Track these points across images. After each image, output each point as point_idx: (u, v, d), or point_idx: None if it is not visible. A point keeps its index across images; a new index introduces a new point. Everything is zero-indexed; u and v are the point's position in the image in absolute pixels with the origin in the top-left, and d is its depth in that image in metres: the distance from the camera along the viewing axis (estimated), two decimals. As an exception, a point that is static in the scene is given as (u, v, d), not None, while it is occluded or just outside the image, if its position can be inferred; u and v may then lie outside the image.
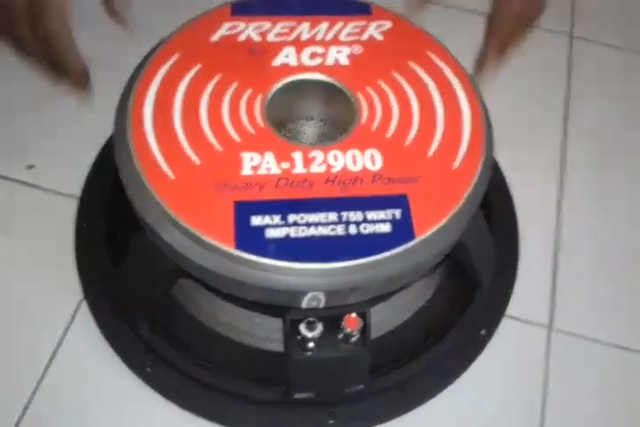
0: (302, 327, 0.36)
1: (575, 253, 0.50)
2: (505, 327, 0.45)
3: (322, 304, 0.34)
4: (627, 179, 0.55)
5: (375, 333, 0.42)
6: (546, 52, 0.56)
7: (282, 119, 0.43)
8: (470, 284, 0.45)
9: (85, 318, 0.43)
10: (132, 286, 0.41)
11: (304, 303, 0.34)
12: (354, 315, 0.36)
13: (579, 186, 0.54)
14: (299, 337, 0.36)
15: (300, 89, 0.41)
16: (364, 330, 0.37)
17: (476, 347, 0.45)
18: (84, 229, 0.48)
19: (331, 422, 0.41)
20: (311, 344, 0.36)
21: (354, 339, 0.37)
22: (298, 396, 0.40)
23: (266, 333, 0.42)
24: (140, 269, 0.40)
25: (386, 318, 0.44)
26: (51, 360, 0.42)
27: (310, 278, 0.33)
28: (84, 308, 0.43)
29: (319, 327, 0.36)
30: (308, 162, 0.36)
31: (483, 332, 0.45)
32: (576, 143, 0.56)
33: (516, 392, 0.43)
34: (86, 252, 0.47)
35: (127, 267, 0.41)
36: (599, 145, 0.56)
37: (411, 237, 0.34)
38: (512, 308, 0.46)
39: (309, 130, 0.43)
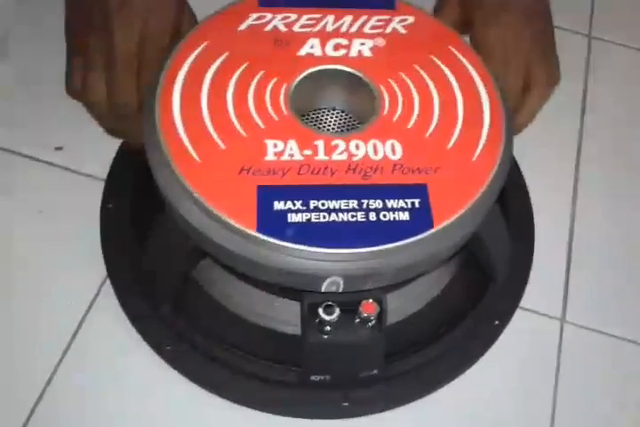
0: (320, 311, 0.36)
1: (589, 248, 0.51)
2: (518, 319, 0.45)
3: (340, 288, 0.35)
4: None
5: (390, 319, 0.43)
6: (564, 52, 0.56)
7: (305, 108, 0.44)
8: (485, 275, 0.46)
9: (109, 297, 0.44)
10: (154, 266, 0.42)
11: (323, 287, 0.34)
12: (371, 300, 0.37)
13: (594, 182, 0.55)
14: (316, 320, 0.37)
15: (323, 79, 0.42)
16: (380, 315, 0.37)
17: (489, 336, 0.45)
18: (110, 209, 0.49)
19: (345, 404, 0.42)
20: (328, 328, 0.37)
21: (370, 324, 0.38)
22: (313, 378, 0.41)
23: (284, 316, 0.43)
24: (163, 250, 0.41)
25: (401, 306, 0.44)
26: (74, 336, 0.44)
27: (330, 263, 0.33)
28: (108, 287, 0.45)
29: (337, 311, 0.36)
30: (330, 150, 0.37)
31: (496, 322, 0.46)
32: (592, 140, 0.57)
33: (527, 383, 0.44)
34: (111, 232, 0.48)
35: (150, 247, 0.42)
36: (615, 143, 0.57)
37: (429, 225, 0.35)
38: (525, 300, 0.47)
39: (331, 120, 0.44)
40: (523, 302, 0.47)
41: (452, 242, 0.36)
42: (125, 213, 0.48)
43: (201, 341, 0.43)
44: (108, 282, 0.45)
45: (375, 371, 0.41)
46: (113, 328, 0.43)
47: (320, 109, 0.44)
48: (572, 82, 0.59)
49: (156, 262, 0.42)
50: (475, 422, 0.43)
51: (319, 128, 0.43)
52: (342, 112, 0.45)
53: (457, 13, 0.47)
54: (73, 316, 0.44)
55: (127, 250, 0.46)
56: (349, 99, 0.44)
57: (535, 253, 0.48)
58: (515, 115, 0.44)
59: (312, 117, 0.44)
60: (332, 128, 0.44)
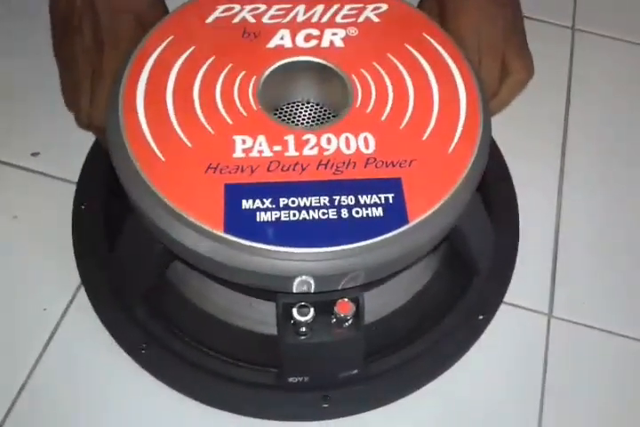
0: (295, 312, 0.35)
1: (575, 241, 0.50)
2: (504, 315, 0.44)
3: (312, 289, 0.33)
4: (627, 164, 0.54)
5: (370, 317, 0.42)
6: (548, 44, 0.55)
7: (276, 102, 0.42)
8: (468, 269, 0.44)
9: (83, 301, 0.43)
10: (125, 268, 0.41)
11: (294, 288, 0.33)
12: (346, 300, 0.36)
13: (580, 172, 0.54)
14: (291, 321, 0.36)
15: (294, 71, 0.41)
16: (357, 315, 0.36)
17: (473, 332, 0.44)
18: (81, 212, 0.48)
19: (325, 405, 0.41)
20: (304, 329, 0.36)
21: (347, 324, 0.37)
22: (291, 380, 0.40)
23: (260, 316, 0.42)
24: (134, 252, 0.40)
25: (382, 303, 0.43)
26: (49, 341, 0.43)
27: (299, 263, 0.32)
28: (82, 291, 0.43)
29: (311, 312, 0.35)
30: (300, 145, 0.36)
31: (480, 317, 0.45)
32: (577, 129, 0.55)
33: (514, 379, 0.43)
34: (83, 235, 0.47)
35: (121, 249, 0.41)
36: (601, 131, 0.56)
37: (404, 221, 0.33)
38: (512, 295, 0.46)
39: (305, 113, 0.43)
40: (509, 298, 0.46)
41: (429, 237, 0.34)
42: (97, 216, 0.47)
43: (175, 343, 0.42)
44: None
45: (355, 371, 0.40)
46: (88, 333, 0.42)
47: (294, 103, 0.43)
48: (557, 72, 0.58)
49: (127, 264, 0.41)
50: (460, 420, 0.42)
51: (292, 122, 0.42)
52: (317, 105, 0.43)
53: (435, 4, 0.46)
54: (49, 319, 0.44)
55: (100, 251, 0.45)
56: (323, 91, 0.42)
57: (520, 247, 0.47)
58: (488, 103, 0.43)
59: (285, 111, 0.43)
60: (307, 122, 0.42)
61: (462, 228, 0.39)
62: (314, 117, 0.43)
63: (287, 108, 0.43)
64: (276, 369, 0.41)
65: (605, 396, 0.43)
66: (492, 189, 0.49)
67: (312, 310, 0.35)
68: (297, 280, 0.33)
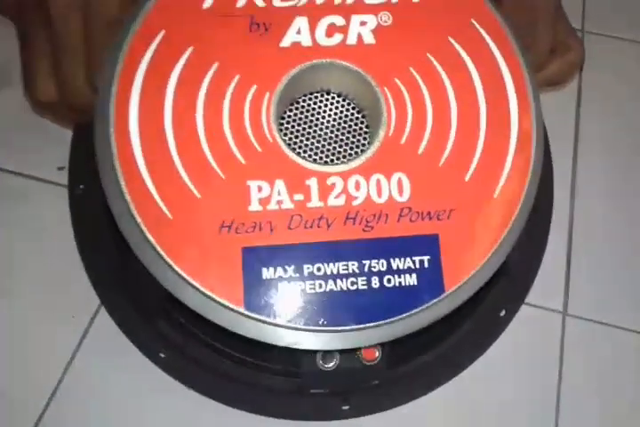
0: (318, 359, 0.34)
1: (589, 238, 0.49)
2: (519, 313, 0.43)
3: (338, 359, 0.32)
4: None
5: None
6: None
7: (292, 97, 0.36)
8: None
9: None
10: (140, 289, 0.39)
11: (318, 360, 0.32)
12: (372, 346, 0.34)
13: (593, 171, 0.51)
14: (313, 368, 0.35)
15: (315, 71, 0.34)
16: (384, 356, 0.35)
17: (495, 329, 0.44)
18: (80, 194, 0.44)
19: (345, 407, 0.42)
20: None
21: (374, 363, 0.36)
22: (313, 391, 0.40)
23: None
24: (145, 280, 0.37)
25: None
26: (78, 345, 0.44)
27: (324, 340, 0.30)
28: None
29: (336, 360, 0.34)
30: (325, 192, 0.31)
31: (502, 313, 0.44)
32: (590, 126, 0.53)
33: (529, 378, 0.44)
34: (84, 220, 0.43)
35: (131, 274, 0.38)
36: (614, 136, 0.53)
37: (440, 290, 0.31)
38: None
39: (327, 108, 0.37)
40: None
41: (464, 300, 0.32)
42: (97, 197, 0.43)
43: (193, 349, 0.41)
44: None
45: (376, 381, 0.40)
46: (112, 342, 0.42)
47: (312, 94, 0.37)
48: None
49: (143, 288, 0.38)
50: (477, 417, 0.43)
51: (310, 122, 0.36)
52: (339, 96, 0.37)
53: None
54: (78, 325, 0.44)
55: (105, 246, 0.42)
56: (347, 82, 0.36)
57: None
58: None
59: (302, 105, 0.36)
60: (329, 120, 0.36)
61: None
62: (337, 114, 0.37)
63: (305, 100, 0.37)
64: (297, 378, 0.41)
65: (621, 394, 0.44)
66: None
67: (337, 357, 0.34)
68: (320, 353, 0.31)
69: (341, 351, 0.34)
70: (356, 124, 0.36)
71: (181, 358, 0.41)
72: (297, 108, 0.36)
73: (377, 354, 0.35)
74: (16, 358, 0.43)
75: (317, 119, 0.36)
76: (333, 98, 0.36)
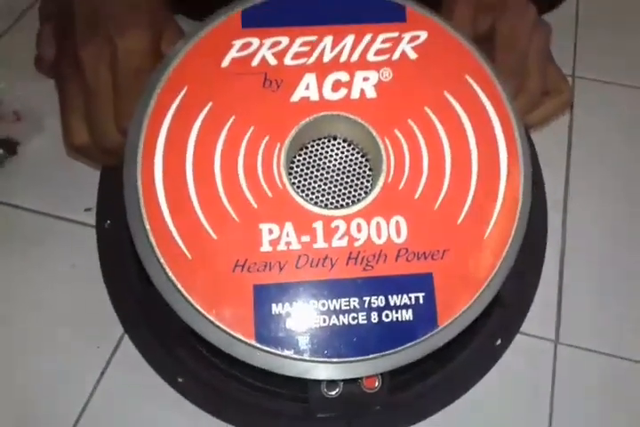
0: (323, 387, 0.37)
1: (580, 267, 0.51)
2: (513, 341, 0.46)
3: (341, 388, 0.35)
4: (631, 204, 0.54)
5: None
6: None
7: (301, 143, 0.39)
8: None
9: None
10: (161, 319, 0.42)
11: (323, 387, 0.35)
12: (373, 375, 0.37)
13: (585, 200, 0.55)
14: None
15: (321, 121, 0.37)
16: (384, 384, 0.38)
17: (491, 357, 0.46)
18: (107, 228, 0.47)
19: (348, 430, 0.44)
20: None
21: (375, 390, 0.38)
22: (319, 415, 0.43)
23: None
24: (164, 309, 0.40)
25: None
26: (101, 374, 0.47)
27: (329, 371, 0.33)
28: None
29: (339, 387, 0.37)
30: (329, 234, 0.34)
31: (498, 342, 0.46)
32: (580, 170, 0.56)
33: (522, 406, 0.46)
34: (110, 254, 0.47)
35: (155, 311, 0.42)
36: (604, 177, 0.56)
37: (433, 325, 0.33)
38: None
39: (333, 153, 0.40)
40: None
41: (457, 333, 0.35)
42: (125, 232, 0.46)
43: (207, 373, 0.44)
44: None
45: (378, 407, 0.43)
46: (134, 368, 0.45)
47: (318, 139, 0.40)
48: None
49: (162, 318, 0.41)
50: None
51: (316, 164, 0.39)
52: (344, 141, 0.40)
53: (470, 10, 0.41)
54: (102, 355, 0.48)
55: (130, 278, 0.45)
56: (351, 130, 0.39)
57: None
58: (525, 115, 0.42)
59: (309, 151, 0.39)
60: (335, 164, 0.40)
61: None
62: (342, 158, 0.40)
63: (312, 146, 0.40)
64: (304, 403, 0.43)
65: (613, 421, 0.46)
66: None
67: (340, 385, 0.37)
68: (325, 383, 0.34)
69: (344, 379, 0.37)
70: (360, 168, 0.39)
71: (197, 383, 0.44)
72: (306, 153, 0.39)
73: (377, 383, 0.37)
74: (44, 385, 0.46)
75: (324, 163, 0.39)
76: (339, 143, 0.40)
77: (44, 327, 0.49)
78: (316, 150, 0.39)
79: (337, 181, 0.38)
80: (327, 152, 0.39)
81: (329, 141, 0.40)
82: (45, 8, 0.42)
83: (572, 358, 0.47)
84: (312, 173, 0.38)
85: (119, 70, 0.37)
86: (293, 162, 0.38)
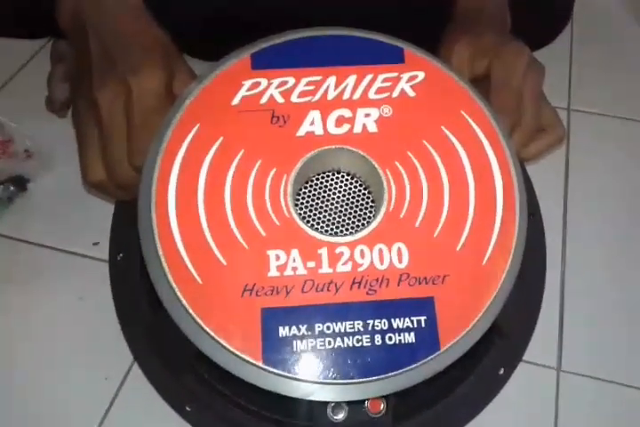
0: (329, 411, 0.38)
1: (580, 296, 0.52)
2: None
3: (346, 411, 0.36)
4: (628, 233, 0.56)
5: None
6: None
7: (307, 176, 0.41)
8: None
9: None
10: (170, 346, 0.43)
11: (329, 411, 0.36)
12: (377, 398, 0.38)
13: (581, 226, 0.56)
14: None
15: (326, 155, 0.39)
16: (388, 408, 0.39)
17: (494, 386, 0.47)
18: (120, 261, 0.49)
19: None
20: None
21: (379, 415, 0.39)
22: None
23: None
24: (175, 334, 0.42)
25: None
26: (110, 405, 0.48)
27: (335, 393, 0.34)
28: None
29: (345, 411, 0.38)
30: (334, 260, 0.36)
31: (501, 371, 0.47)
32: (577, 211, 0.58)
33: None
34: (123, 286, 0.48)
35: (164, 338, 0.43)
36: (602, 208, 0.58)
37: (435, 347, 0.35)
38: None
39: (337, 185, 0.42)
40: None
41: (459, 355, 0.36)
42: (136, 264, 0.48)
43: (216, 401, 0.45)
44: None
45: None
46: (145, 394, 0.46)
47: (323, 173, 0.42)
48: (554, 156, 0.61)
49: (170, 346, 0.43)
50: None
51: (322, 198, 0.41)
52: (348, 175, 0.42)
53: (468, 53, 0.43)
54: (110, 386, 0.49)
55: (140, 308, 0.47)
56: (354, 164, 0.41)
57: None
58: (521, 150, 0.43)
59: (315, 184, 0.41)
60: (339, 196, 0.42)
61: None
62: (347, 192, 0.42)
63: (317, 179, 0.42)
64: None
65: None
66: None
67: (346, 409, 0.38)
68: (330, 406, 0.35)
69: (349, 403, 0.38)
70: (362, 199, 0.41)
71: (205, 412, 0.45)
72: (311, 186, 0.41)
73: (382, 407, 0.38)
74: (58, 413, 0.47)
75: (329, 195, 0.41)
76: (343, 176, 0.42)
77: (52, 357, 0.50)
78: (321, 183, 0.41)
79: (341, 211, 0.40)
80: (331, 185, 0.42)
81: (333, 175, 0.42)
82: (57, 50, 0.44)
83: (575, 386, 0.48)
84: (317, 204, 0.40)
85: (133, 110, 0.39)
86: (299, 194, 0.40)
